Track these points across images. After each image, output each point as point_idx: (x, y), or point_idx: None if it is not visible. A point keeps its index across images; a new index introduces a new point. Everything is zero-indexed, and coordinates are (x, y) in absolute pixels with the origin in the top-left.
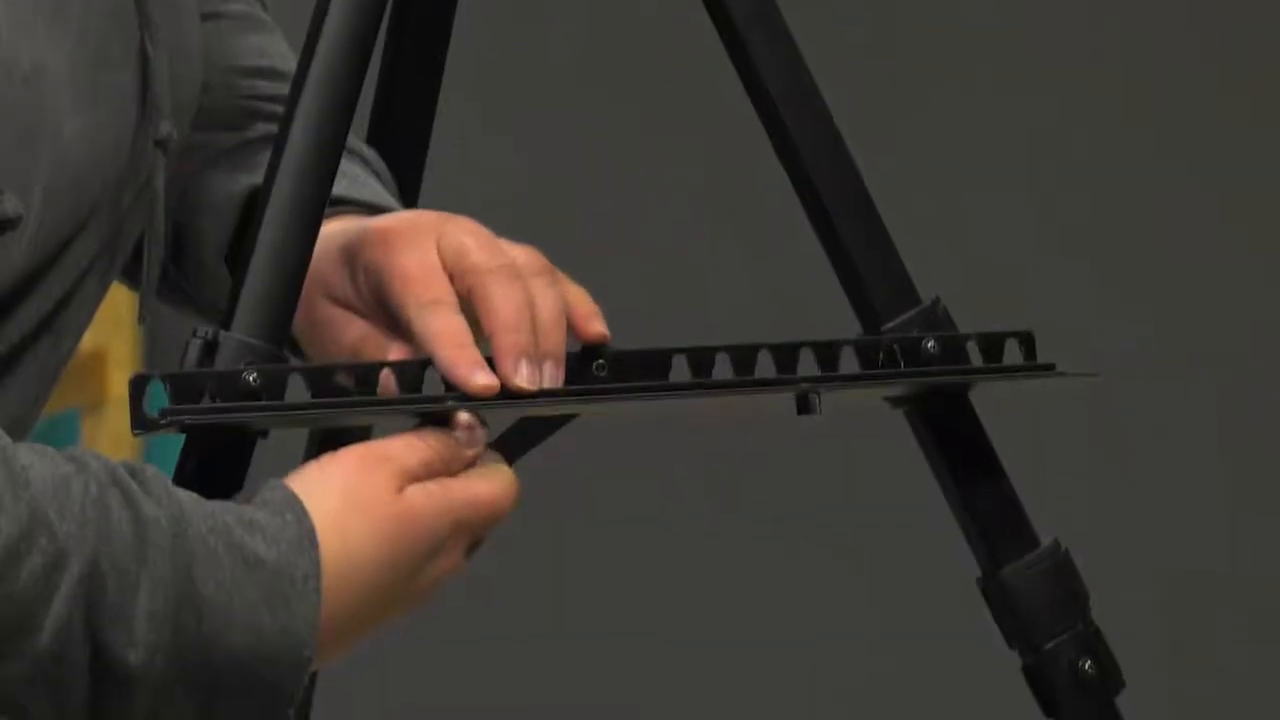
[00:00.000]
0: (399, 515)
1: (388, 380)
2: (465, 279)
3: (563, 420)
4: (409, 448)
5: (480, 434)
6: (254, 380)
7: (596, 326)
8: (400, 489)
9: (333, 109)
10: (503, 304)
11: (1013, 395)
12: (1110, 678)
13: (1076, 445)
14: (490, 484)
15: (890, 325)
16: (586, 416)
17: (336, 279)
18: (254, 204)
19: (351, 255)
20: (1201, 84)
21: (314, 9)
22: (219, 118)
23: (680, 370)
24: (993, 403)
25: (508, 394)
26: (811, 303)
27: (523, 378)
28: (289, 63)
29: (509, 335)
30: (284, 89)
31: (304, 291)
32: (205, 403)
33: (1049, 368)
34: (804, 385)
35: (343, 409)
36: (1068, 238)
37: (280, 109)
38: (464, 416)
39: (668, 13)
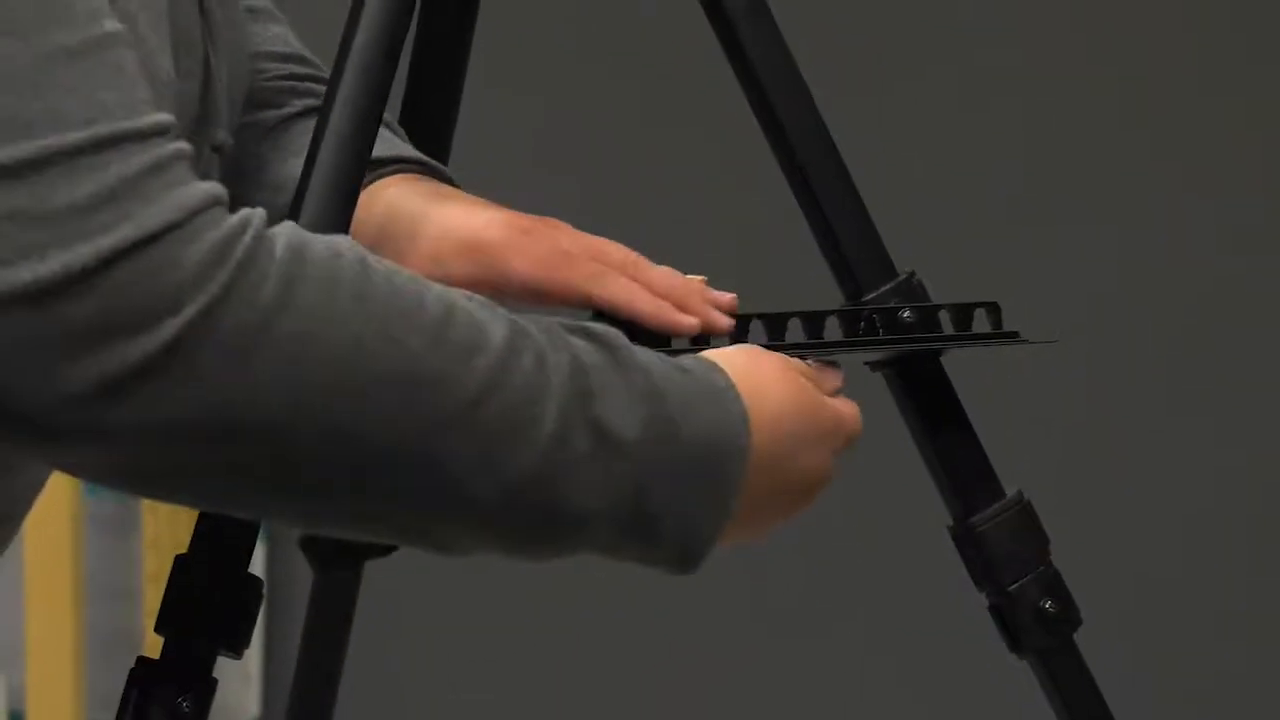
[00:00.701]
0: (797, 384)
1: None
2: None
3: None
4: (790, 360)
5: (836, 373)
6: None
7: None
8: (790, 372)
9: (369, 93)
10: (660, 278)
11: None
12: (1069, 615)
13: (1040, 405)
14: (851, 406)
15: (870, 296)
16: None
17: (459, 272)
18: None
19: (477, 252)
20: (1172, 61)
21: (350, 6)
22: (258, 98)
23: (679, 339)
24: (963, 366)
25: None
26: (799, 276)
27: (722, 319)
28: (306, 52)
29: (691, 297)
30: (312, 70)
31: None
32: None
33: (1013, 335)
34: (793, 351)
35: None
36: (1032, 212)
37: (311, 86)
38: (814, 362)
39: (667, 4)
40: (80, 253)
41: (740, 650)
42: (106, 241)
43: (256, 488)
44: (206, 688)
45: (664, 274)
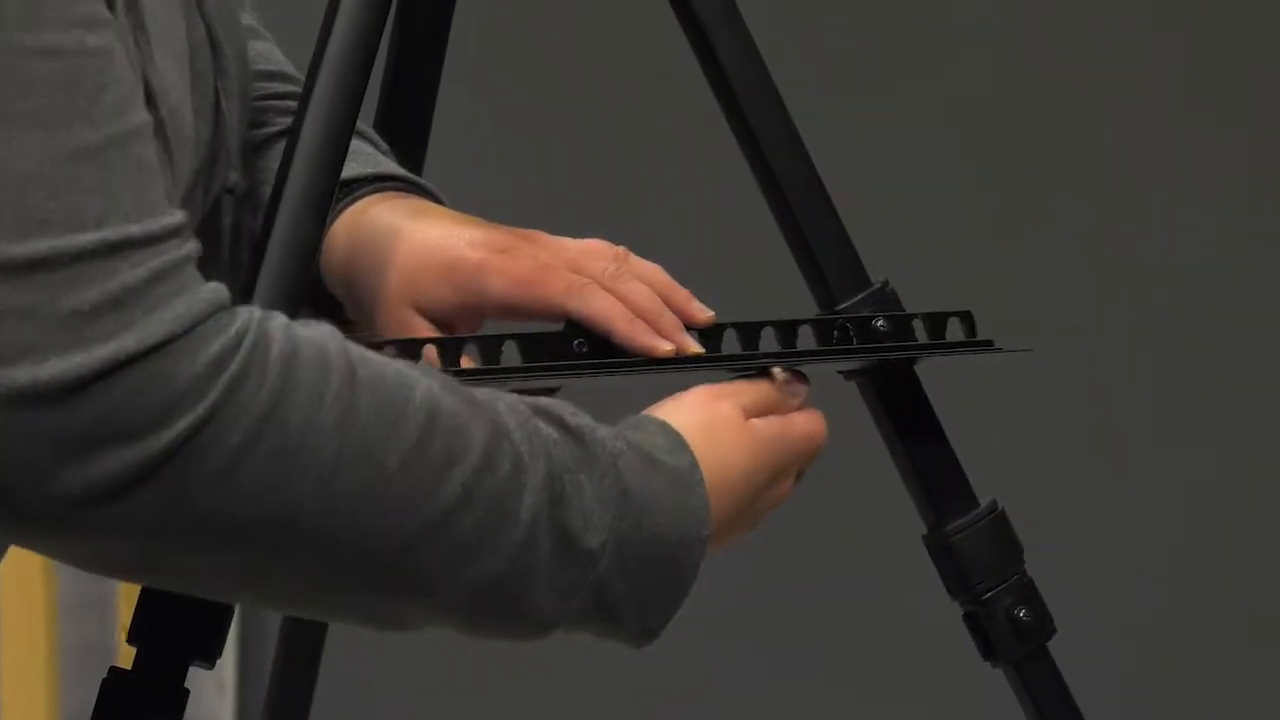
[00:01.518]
0: (752, 435)
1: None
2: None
3: (548, 393)
4: (749, 386)
5: (801, 387)
6: None
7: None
8: (746, 419)
9: (341, 104)
10: (637, 295)
11: (955, 368)
12: (1043, 624)
13: (1013, 414)
14: (812, 422)
15: (844, 305)
16: (568, 388)
17: (435, 294)
18: None
19: (454, 274)
20: (1143, 69)
21: (325, 11)
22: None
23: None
24: (937, 375)
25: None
26: (773, 285)
27: (691, 343)
28: (288, 67)
29: (663, 318)
30: (293, 88)
31: (391, 298)
32: None
33: (987, 344)
34: (766, 360)
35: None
36: (1004, 222)
37: (291, 105)
38: (780, 373)
39: (640, 14)
40: (78, 361)
41: (716, 655)
42: (106, 351)
43: (233, 584)
44: (179, 698)
45: (642, 292)
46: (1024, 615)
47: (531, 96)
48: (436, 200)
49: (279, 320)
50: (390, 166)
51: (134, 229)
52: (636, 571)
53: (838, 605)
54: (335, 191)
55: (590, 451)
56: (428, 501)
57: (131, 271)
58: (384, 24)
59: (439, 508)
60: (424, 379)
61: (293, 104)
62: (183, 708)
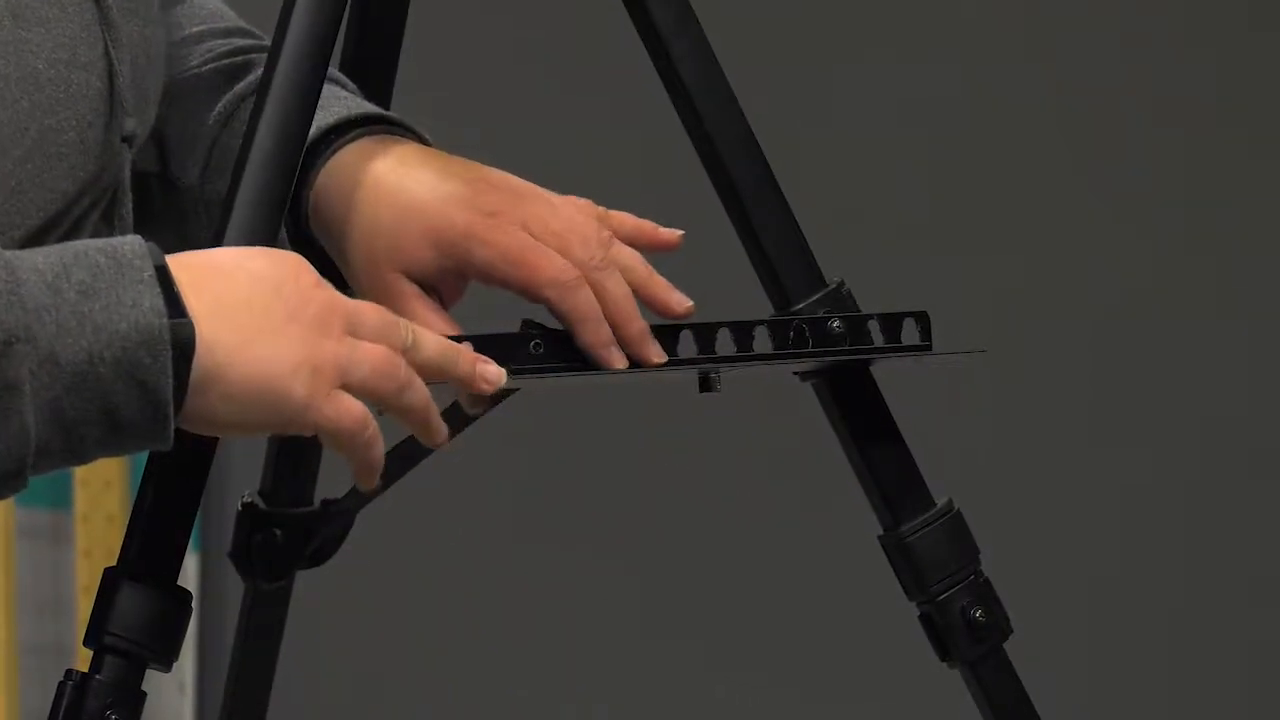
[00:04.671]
0: (278, 274)
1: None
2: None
3: (506, 393)
4: (367, 308)
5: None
6: None
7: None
8: (329, 320)
9: (310, 57)
10: (615, 295)
11: (910, 369)
12: (999, 624)
13: (970, 414)
14: (356, 402)
15: (799, 306)
16: (526, 390)
17: (419, 257)
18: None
19: (439, 238)
20: (1094, 69)
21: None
22: (223, 73)
23: None
24: (893, 374)
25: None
26: (727, 286)
27: (655, 354)
28: (240, 23)
29: (633, 325)
30: (256, 41)
31: (376, 263)
32: None
33: (934, 345)
34: (724, 361)
35: None
36: (961, 223)
37: (255, 59)
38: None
39: (596, 18)
40: None
41: (678, 653)
42: None
43: None
44: (135, 700)
45: (621, 292)
46: (980, 615)
47: (486, 99)
48: (419, 138)
49: None
50: (366, 107)
51: None
52: (74, 390)
53: (793, 605)
54: (304, 147)
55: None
56: None
57: None
58: (340, 16)
59: None
60: None
61: (256, 58)
62: (140, 710)
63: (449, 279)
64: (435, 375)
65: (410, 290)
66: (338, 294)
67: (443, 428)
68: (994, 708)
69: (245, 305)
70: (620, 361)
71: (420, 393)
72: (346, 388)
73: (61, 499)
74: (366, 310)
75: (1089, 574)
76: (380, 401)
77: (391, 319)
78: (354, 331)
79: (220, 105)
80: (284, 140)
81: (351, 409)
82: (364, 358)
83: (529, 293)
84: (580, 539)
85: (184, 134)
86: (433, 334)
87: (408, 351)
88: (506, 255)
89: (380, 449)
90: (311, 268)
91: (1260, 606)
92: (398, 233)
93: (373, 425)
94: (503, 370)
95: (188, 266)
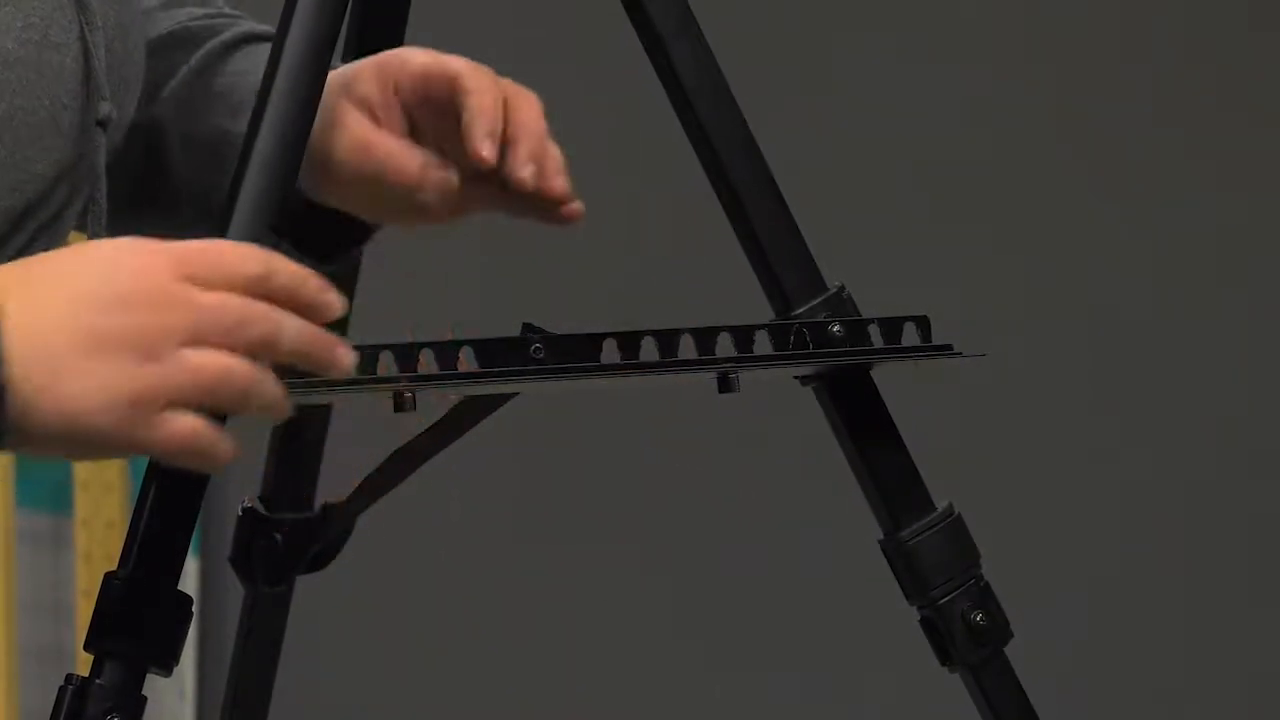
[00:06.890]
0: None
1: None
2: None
3: (506, 397)
4: (228, 308)
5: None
6: None
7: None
8: (181, 279)
9: (321, 27)
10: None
11: (911, 373)
12: (999, 628)
13: (970, 418)
14: (218, 358)
15: (800, 310)
16: (527, 394)
17: (362, 76)
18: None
19: (382, 63)
20: (1088, 72)
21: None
22: (195, 39)
23: (610, 352)
24: (893, 378)
25: (455, 374)
26: (729, 290)
27: (489, 151)
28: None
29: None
30: (235, 13)
31: (328, 94)
32: None
33: (944, 348)
34: (724, 366)
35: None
36: (960, 226)
37: (234, 20)
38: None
39: (595, 20)
40: None
41: (678, 653)
42: None
43: None
44: (136, 704)
45: (533, 114)
46: (980, 619)
47: None
48: None
49: None
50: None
51: None
52: None
53: (793, 608)
54: (304, 147)
55: None
56: None
57: None
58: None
59: None
60: None
61: (235, 19)
62: (140, 715)
63: (387, 99)
64: (300, 362)
65: (353, 116)
66: (193, 296)
67: (288, 413)
68: (995, 711)
69: (67, 329)
70: (343, 363)
71: (268, 391)
72: (183, 405)
73: (62, 503)
74: (220, 310)
75: (1089, 577)
76: (225, 411)
77: (252, 314)
78: (200, 338)
79: (194, 60)
80: (284, 141)
81: (177, 431)
82: (190, 378)
83: (446, 71)
84: (580, 540)
85: (157, 80)
86: (298, 321)
87: (267, 343)
88: (436, 55)
89: (224, 452)
90: (168, 267)
91: (1261, 607)
92: (350, 70)
93: (206, 435)
94: (351, 353)
95: (27, 282)
